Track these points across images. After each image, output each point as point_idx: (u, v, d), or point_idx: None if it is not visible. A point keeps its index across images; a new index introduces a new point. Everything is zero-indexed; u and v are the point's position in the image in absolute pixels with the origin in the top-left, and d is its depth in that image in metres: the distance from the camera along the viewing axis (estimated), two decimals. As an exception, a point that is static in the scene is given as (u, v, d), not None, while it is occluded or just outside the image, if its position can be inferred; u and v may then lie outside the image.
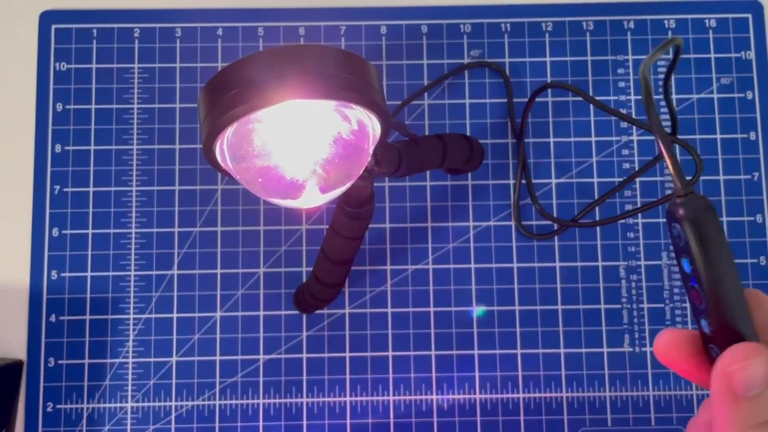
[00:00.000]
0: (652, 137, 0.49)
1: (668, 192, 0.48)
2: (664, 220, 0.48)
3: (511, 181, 0.48)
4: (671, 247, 0.25)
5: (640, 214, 0.48)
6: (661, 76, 0.49)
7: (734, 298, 0.24)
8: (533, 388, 0.46)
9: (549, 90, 0.49)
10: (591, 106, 0.49)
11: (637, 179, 0.48)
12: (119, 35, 0.49)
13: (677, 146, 0.48)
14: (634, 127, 0.49)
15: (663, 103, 0.48)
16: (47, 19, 0.49)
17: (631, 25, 0.50)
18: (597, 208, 0.48)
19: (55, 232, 0.47)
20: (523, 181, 0.48)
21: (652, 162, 0.48)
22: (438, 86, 0.49)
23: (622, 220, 0.48)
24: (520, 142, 0.48)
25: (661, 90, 0.48)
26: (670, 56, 0.46)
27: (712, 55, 0.50)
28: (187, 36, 0.50)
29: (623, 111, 0.49)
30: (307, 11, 0.50)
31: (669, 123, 0.48)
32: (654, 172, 0.49)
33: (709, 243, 0.24)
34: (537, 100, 0.49)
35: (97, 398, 0.46)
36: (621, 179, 0.48)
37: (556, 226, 0.48)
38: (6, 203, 0.48)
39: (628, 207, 0.48)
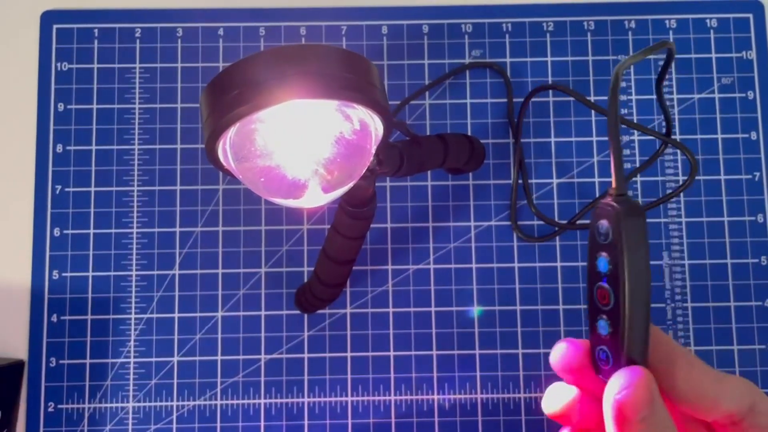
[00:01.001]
0: (653, 137, 0.49)
1: (669, 191, 0.48)
2: (665, 220, 0.48)
3: (512, 181, 0.48)
4: (611, 247, 0.25)
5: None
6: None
7: (644, 306, 0.24)
8: (534, 388, 0.46)
9: (550, 90, 0.49)
10: (592, 106, 0.49)
11: (638, 179, 0.48)
12: (120, 35, 0.49)
13: (672, 146, 0.48)
14: (635, 127, 0.49)
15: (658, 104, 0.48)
16: (48, 19, 0.49)
17: (632, 24, 0.50)
18: (598, 208, 0.48)
19: (57, 231, 0.47)
20: (520, 181, 0.48)
21: (650, 161, 0.48)
22: (439, 86, 0.49)
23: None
24: (516, 146, 0.48)
25: (655, 91, 0.48)
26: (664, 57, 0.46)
27: (713, 55, 0.50)
28: (189, 36, 0.50)
29: (624, 111, 0.49)
30: (309, 11, 0.50)
31: (664, 124, 0.48)
32: (654, 171, 0.49)
33: (638, 247, 0.24)
34: (537, 100, 0.49)
35: (99, 398, 0.46)
36: (622, 179, 0.48)
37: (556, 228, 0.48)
38: (7, 203, 0.48)
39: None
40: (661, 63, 0.50)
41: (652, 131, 0.46)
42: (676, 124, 0.49)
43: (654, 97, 0.49)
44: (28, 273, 0.47)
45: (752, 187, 0.48)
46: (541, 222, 0.48)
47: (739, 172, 0.49)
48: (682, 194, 0.48)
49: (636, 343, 0.25)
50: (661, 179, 0.49)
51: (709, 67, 0.50)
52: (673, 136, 0.49)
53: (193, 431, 0.46)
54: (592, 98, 0.49)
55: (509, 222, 0.48)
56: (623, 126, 0.49)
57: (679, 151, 0.49)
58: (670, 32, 0.50)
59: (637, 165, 0.48)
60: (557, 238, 0.48)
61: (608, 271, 0.24)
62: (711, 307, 0.47)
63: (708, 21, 0.50)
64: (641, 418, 0.24)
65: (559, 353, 0.26)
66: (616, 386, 0.24)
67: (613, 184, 0.25)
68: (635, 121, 0.49)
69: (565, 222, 0.48)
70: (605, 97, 0.49)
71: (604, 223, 0.24)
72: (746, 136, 0.49)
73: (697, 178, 0.48)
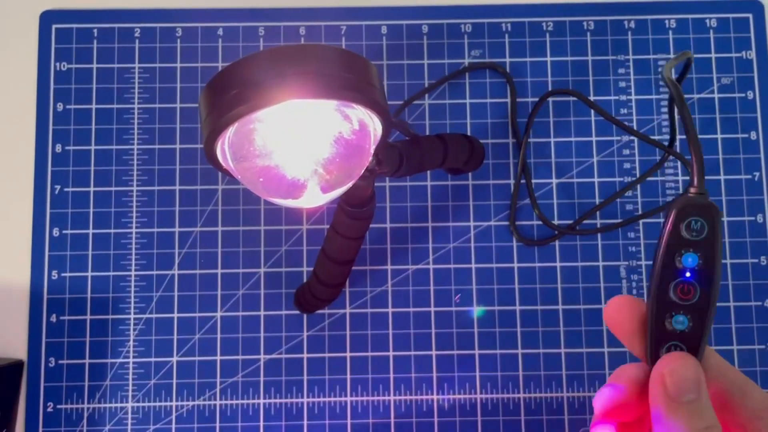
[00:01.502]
0: (653, 136, 0.49)
1: (669, 192, 0.48)
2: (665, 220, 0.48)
3: (512, 182, 0.48)
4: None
5: (640, 211, 0.48)
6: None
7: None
8: (534, 388, 0.46)
9: (550, 87, 0.49)
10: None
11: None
12: (120, 35, 0.49)
13: (674, 157, 0.48)
14: (634, 127, 0.49)
15: (666, 114, 0.48)
16: (48, 18, 0.49)
17: (632, 24, 0.50)
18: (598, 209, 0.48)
19: (56, 232, 0.47)
20: (523, 181, 0.48)
21: (651, 170, 0.48)
22: (439, 86, 0.49)
23: (622, 219, 0.48)
24: (522, 149, 0.48)
25: (666, 103, 0.48)
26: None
27: (713, 55, 0.50)
28: (188, 36, 0.49)
29: (624, 111, 0.49)
30: (308, 11, 0.50)
31: (664, 126, 0.48)
32: (654, 173, 0.48)
33: (721, 244, 0.25)
34: (537, 100, 0.49)
35: (98, 398, 0.46)
36: (622, 179, 0.48)
37: (557, 231, 0.48)
38: (6, 203, 0.48)
39: (629, 207, 0.48)
40: (660, 63, 0.50)
41: (655, 142, 0.46)
42: (676, 124, 0.49)
43: (653, 96, 0.49)
44: (27, 273, 0.47)
45: (752, 187, 0.48)
46: (537, 223, 0.48)
47: (739, 172, 0.49)
48: (681, 194, 0.48)
49: (708, 335, 0.26)
50: (661, 179, 0.48)
51: (708, 67, 0.50)
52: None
53: (193, 431, 0.46)
54: (591, 98, 0.49)
55: (509, 222, 0.48)
56: (624, 131, 0.48)
57: (679, 168, 0.49)
58: (670, 32, 0.50)
59: (637, 165, 0.48)
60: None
61: (697, 266, 0.25)
62: (711, 307, 0.47)
63: (708, 21, 0.50)
64: (687, 400, 0.24)
65: (604, 398, 0.26)
66: (666, 366, 0.24)
67: (696, 182, 0.26)
68: (634, 120, 0.49)
69: (567, 223, 0.48)
70: (605, 97, 0.49)
71: (698, 220, 0.25)
72: (746, 136, 0.49)
73: (696, 178, 0.48)
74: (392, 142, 0.38)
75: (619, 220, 0.48)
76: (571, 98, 0.49)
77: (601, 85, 0.49)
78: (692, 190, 0.26)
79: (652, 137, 0.48)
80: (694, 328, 0.25)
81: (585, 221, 0.48)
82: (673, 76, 0.50)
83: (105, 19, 0.49)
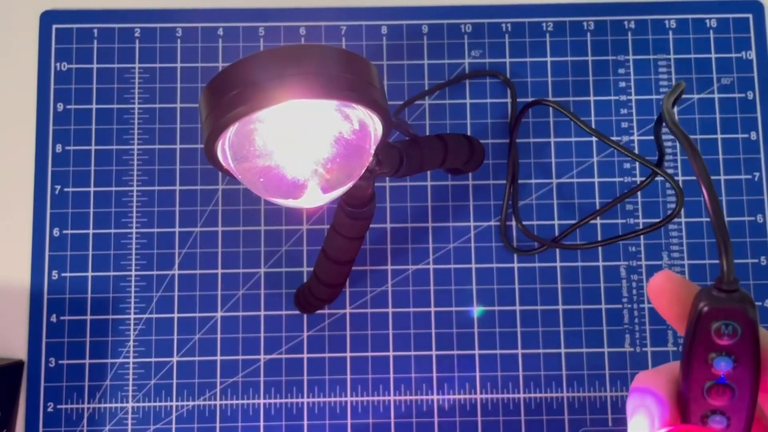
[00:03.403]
0: (653, 138, 0.49)
1: (669, 194, 0.48)
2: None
3: (505, 190, 0.48)
4: (694, 331, 0.23)
5: (640, 212, 0.48)
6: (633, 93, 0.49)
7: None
8: (534, 388, 0.46)
9: (549, 88, 0.49)
10: (591, 106, 0.49)
11: (637, 179, 0.48)
12: (120, 35, 0.49)
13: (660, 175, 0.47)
14: (635, 128, 0.49)
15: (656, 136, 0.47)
16: (48, 19, 0.49)
17: (632, 25, 0.50)
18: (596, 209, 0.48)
19: (56, 232, 0.47)
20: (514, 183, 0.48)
21: (636, 188, 0.47)
22: (439, 90, 0.49)
23: (623, 220, 0.48)
24: (510, 156, 0.48)
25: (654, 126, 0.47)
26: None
27: (713, 55, 0.50)
28: (188, 36, 0.50)
29: (624, 111, 0.49)
30: (308, 11, 0.50)
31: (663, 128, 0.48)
32: (655, 192, 0.48)
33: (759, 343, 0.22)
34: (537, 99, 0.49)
35: (98, 398, 0.46)
36: (622, 179, 0.48)
37: (554, 234, 0.48)
38: (7, 203, 0.48)
39: (629, 207, 0.48)
40: (662, 63, 0.50)
41: (642, 159, 0.43)
42: (662, 143, 0.48)
43: (653, 97, 0.49)
44: (28, 273, 0.47)
45: (752, 187, 0.48)
46: (537, 223, 0.48)
47: (739, 172, 0.49)
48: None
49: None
50: (660, 178, 0.49)
51: (708, 67, 0.50)
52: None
53: (193, 431, 0.46)
54: (591, 98, 0.49)
55: (509, 222, 0.48)
56: (623, 125, 0.48)
57: (680, 168, 0.48)
58: (670, 32, 0.50)
59: (637, 166, 0.48)
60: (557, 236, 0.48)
61: (732, 368, 0.22)
62: (710, 307, 0.47)
63: (708, 21, 0.50)
64: None
65: (658, 282, 0.24)
66: None
67: (726, 276, 0.22)
68: (634, 121, 0.49)
69: (567, 223, 0.48)
70: (605, 98, 0.49)
71: (731, 324, 0.22)
72: (746, 136, 0.49)
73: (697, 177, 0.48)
74: (392, 143, 0.38)
75: (620, 234, 0.48)
76: (571, 98, 0.49)
77: (601, 85, 0.49)
78: (723, 285, 0.22)
79: (651, 138, 0.48)
80: (733, 427, 0.23)
81: (583, 222, 0.48)
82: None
83: (105, 19, 0.49)
